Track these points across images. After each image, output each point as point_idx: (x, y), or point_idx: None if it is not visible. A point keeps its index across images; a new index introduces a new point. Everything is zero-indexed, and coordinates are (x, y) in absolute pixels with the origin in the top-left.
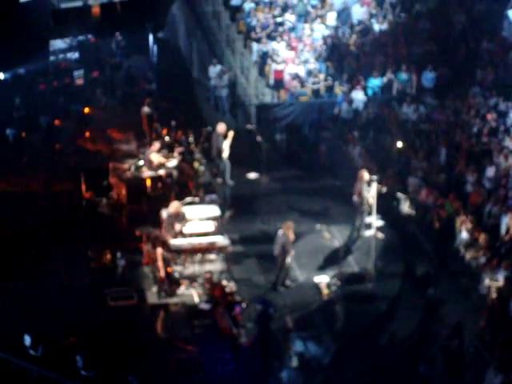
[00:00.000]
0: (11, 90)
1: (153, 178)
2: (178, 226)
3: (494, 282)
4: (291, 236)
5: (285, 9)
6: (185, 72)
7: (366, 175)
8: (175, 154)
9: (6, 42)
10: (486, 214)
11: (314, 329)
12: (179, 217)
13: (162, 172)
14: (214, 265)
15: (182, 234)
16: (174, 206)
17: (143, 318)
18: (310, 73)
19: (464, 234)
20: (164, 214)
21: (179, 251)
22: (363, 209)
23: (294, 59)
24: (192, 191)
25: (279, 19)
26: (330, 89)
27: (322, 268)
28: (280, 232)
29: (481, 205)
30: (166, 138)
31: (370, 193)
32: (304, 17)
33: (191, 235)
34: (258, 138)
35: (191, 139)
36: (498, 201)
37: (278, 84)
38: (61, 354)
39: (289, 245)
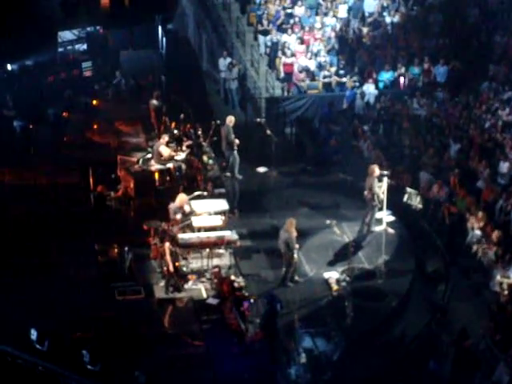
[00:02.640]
0: (19, 81)
1: (161, 172)
2: (182, 218)
3: (505, 279)
4: (293, 232)
5: (295, 1)
6: (194, 64)
7: (376, 170)
8: (184, 147)
9: (14, 32)
10: (498, 210)
11: (323, 325)
12: (185, 210)
13: (170, 165)
14: (223, 259)
15: (188, 228)
16: (180, 198)
17: (150, 313)
18: (320, 66)
19: (476, 231)
20: (171, 206)
21: (187, 245)
22: (374, 204)
23: (305, 52)
24: (200, 185)
25: (290, 11)
26: (341, 82)
27: (331, 263)
28: (282, 229)
29: (493, 201)
30: (175, 131)
31: (381, 188)
32: (315, 9)
33: (199, 229)
34: (268, 132)
35: (200, 132)
36: (509, 197)
37: (288, 77)
38: (67, 349)
39: (292, 241)
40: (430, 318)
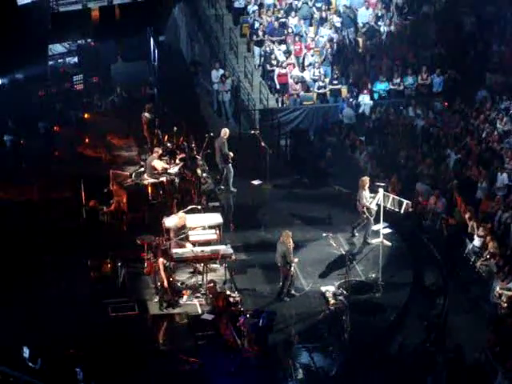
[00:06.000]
0: (9, 95)
1: (154, 185)
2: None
3: (505, 291)
4: (291, 245)
5: (289, 12)
6: (186, 76)
7: (367, 183)
8: (177, 160)
9: (4, 46)
10: (497, 220)
11: (321, 339)
12: (185, 228)
13: (163, 179)
14: (217, 274)
15: (186, 240)
16: (180, 217)
17: (145, 329)
18: (315, 77)
19: (476, 241)
20: (170, 224)
21: (182, 260)
22: (365, 217)
23: (299, 63)
24: (194, 198)
25: (283, 20)
26: (335, 93)
27: (328, 277)
28: (279, 242)
29: (492, 211)
30: (168, 144)
31: (374, 200)
32: (309, 20)
33: (194, 244)
34: (262, 144)
35: (193, 145)
36: (508, 207)
37: (282, 88)
38: (60, 366)
39: (290, 254)
40: (425, 338)
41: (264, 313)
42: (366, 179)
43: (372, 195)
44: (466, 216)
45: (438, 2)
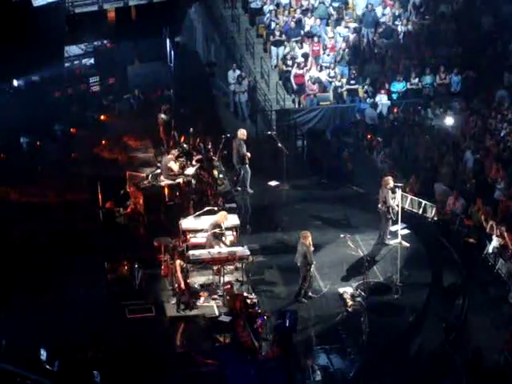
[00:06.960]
0: (25, 97)
1: (171, 187)
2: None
3: None
4: (310, 245)
5: (305, 12)
6: (203, 77)
7: (390, 182)
8: (193, 161)
9: (20, 48)
10: None
11: (339, 341)
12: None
13: (180, 180)
14: (235, 276)
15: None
16: (222, 215)
17: (162, 331)
18: (332, 77)
19: (494, 242)
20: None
21: (198, 262)
22: (388, 217)
23: (316, 63)
24: (211, 200)
25: (299, 17)
26: (352, 93)
27: (346, 278)
28: (299, 242)
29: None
30: (184, 146)
31: (395, 200)
32: (326, 20)
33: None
34: (279, 145)
35: (210, 146)
36: None
37: (299, 89)
38: (77, 369)
39: (310, 254)
40: (444, 339)
41: (288, 313)
42: (389, 179)
43: (392, 196)
44: (483, 217)
45: (456, 1)
